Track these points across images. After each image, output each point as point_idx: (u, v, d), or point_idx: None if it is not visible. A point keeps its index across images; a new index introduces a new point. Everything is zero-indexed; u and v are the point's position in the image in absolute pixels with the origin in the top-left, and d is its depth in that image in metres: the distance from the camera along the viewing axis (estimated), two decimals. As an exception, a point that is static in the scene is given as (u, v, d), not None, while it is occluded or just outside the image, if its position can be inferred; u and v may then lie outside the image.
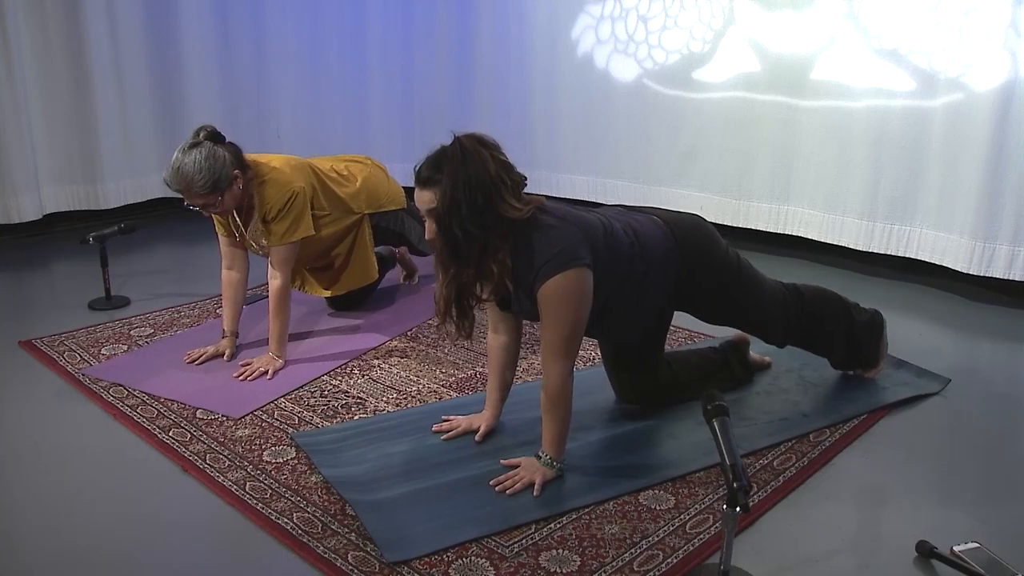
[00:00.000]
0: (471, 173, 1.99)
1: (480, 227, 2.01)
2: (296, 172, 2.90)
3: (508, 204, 2.03)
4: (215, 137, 2.71)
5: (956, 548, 1.87)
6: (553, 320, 2.07)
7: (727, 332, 2.85)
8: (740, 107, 4.04)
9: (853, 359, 2.73)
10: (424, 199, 2.05)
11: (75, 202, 4.40)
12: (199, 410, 2.57)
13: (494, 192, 2.01)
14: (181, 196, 2.72)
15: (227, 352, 2.93)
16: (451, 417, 2.45)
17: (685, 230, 2.36)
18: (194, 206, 2.73)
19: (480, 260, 2.07)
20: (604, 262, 2.14)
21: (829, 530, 2.01)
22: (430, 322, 3.22)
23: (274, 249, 2.87)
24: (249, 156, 2.82)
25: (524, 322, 2.43)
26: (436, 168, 2.02)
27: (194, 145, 2.66)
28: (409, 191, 2.52)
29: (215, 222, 2.93)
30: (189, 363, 2.89)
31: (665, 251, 2.29)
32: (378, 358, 2.97)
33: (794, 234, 3.99)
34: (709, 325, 3.13)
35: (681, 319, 3.16)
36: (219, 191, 2.69)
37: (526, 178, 2.11)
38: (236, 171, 2.72)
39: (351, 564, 1.85)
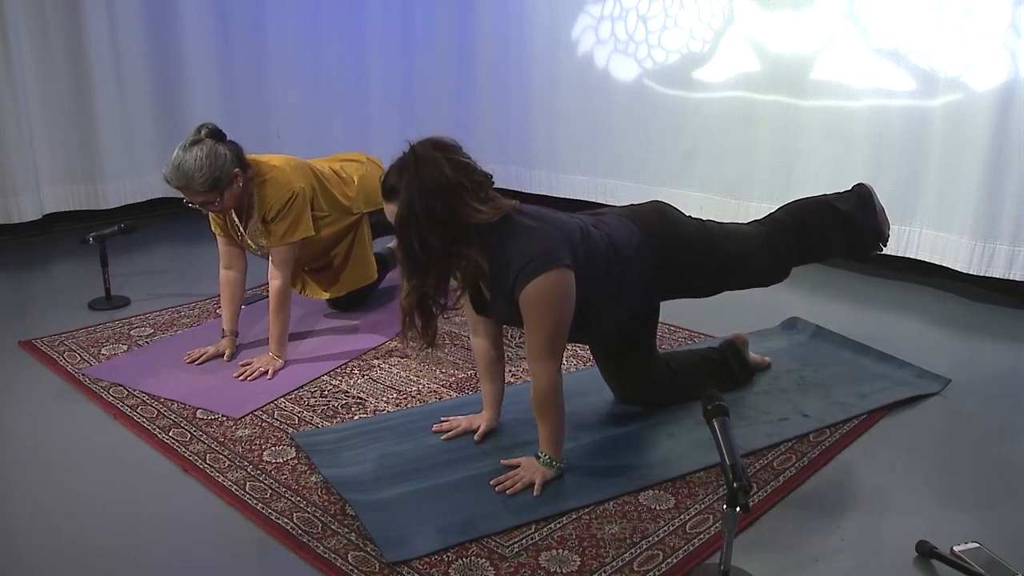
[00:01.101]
0: (426, 180, 1.94)
1: (440, 236, 1.96)
2: (296, 172, 2.90)
3: (470, 208, 1.97)
4: (216, 135, 2.71)
5: (956, 548, 1.87)
6: (537, 323, 2.05)
7: (727, 332, 2.85)
8: (740, 107, 4.04)
9: (860, 243, 2.67)
10: (390, 212, 2.02)
11: (75, 202, 4.40)
12: (199, 410, 2.57)
13: (453, 196, 1.96)
14: (181, 194, 2.72)
15: (227, 352, 2.93)
16: (451, 417, 2.45)
17: (649, 222, 2.32)
18: (193, 204, 2.73)
19: (441, 268, 2.03)
20: (583, 263, 2.10)
21: (829, 530, 2.01)
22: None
23: (274, 249, 2.87)
24: (249, 156, 2.82)
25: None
26: (397, 178, 1.99)
27: (195, 142, 2.66)
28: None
29: (212, 222, 2.92)
30: (189, 363, 2.89)
31: (636, 248, 2.25)
32: (378, 358, 2.97)
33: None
34: (709, 325, 3.16)
35: (681, 319, 3.19)
36: (219, 189, 2.68)
37: (491, 176, 2.07)
38: (236, 169, 2.71)
39: (351, 564, 1.85)
